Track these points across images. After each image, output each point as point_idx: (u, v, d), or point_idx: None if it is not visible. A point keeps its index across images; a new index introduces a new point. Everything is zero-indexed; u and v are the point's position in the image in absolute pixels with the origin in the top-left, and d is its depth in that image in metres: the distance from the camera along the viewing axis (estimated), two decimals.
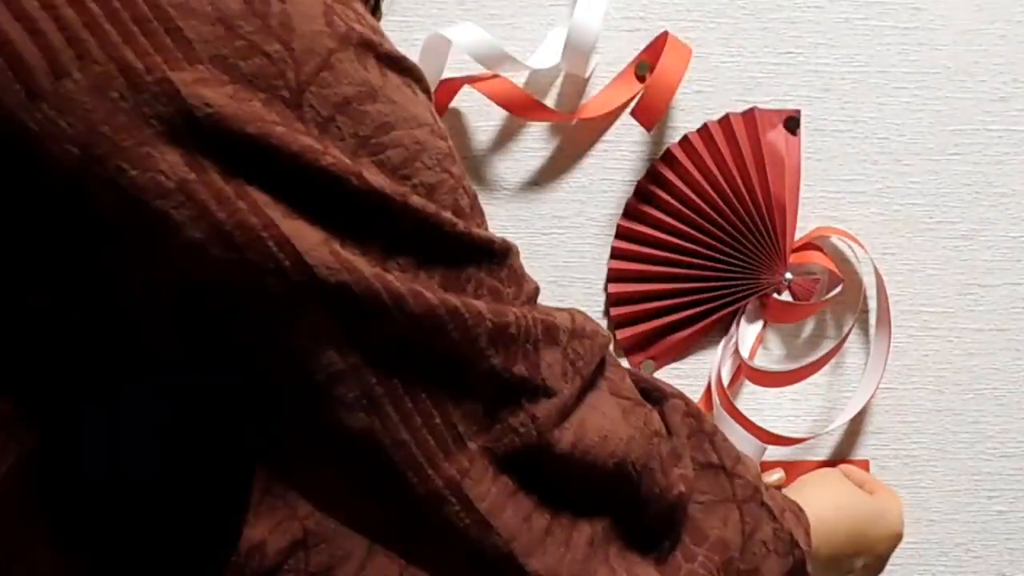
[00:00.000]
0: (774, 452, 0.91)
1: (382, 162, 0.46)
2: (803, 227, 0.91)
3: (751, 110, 0.90)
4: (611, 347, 0.59)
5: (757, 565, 0.62)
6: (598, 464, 0.54)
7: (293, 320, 0.45)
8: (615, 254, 0.91)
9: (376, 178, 0.46)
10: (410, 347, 0.47)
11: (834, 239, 0.92)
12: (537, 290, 0.55)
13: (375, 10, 0.65)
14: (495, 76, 0.88)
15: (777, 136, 0.90)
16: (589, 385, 0.55)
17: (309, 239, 0.44)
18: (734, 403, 0.90)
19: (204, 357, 0.47)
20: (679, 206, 0.90)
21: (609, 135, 0.91)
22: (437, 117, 0.51)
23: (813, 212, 0.92)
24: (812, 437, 0.91)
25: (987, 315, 0.93)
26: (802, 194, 0.91)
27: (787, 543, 0.65)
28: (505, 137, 0.91)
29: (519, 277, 0.53)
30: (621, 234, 0.91)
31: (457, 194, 0.50)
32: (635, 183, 0.91)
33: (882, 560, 0.82)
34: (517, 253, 0.53)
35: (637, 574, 0.56)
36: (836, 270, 0.90)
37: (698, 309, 0.90)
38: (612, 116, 0.90)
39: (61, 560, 0.50)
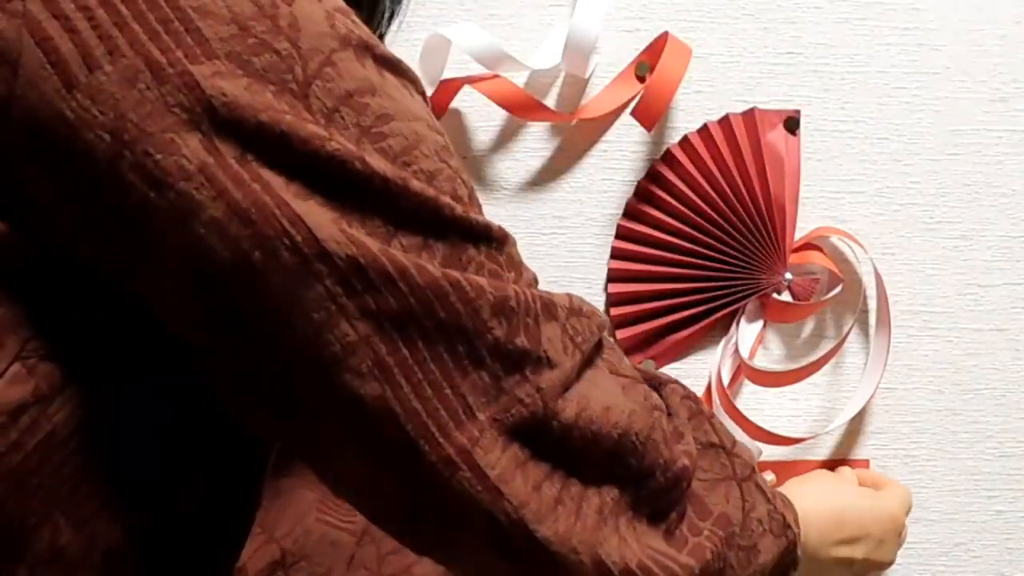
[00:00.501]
0: (774, 452, 0.91)
1: (383, 149, 0.50)
2: (803, 227, 0.91)
3: (751, 110, 0.90)
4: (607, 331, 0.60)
5: (755, 542, 0.63)
6: (603, 434, 0.56)
7: (307, 292, 0.48)
8: (615, 254, 0.91)
9: (378, 162, 0.49)
10: (417, 318, 0.50)
11: (834, 239, 0.92)
12: (535, 280, 0.57)
13: (382, 37, 0.68)
14: (495, 76, 0.88)
15: (777, 136, 0.90)
16: (588, 361, 0.57)
17: (319, 217, 0.48)
18: (734, 403, 0.90)
19: (218, 338, 0.50)
20: (679, 206, 0.90)
21: (609, 135, 0.91)
22: (433, 116, 0.54)
23: (813, 212, 0.92)
24: (812, 437, 0.91)
25: (987, 315, 0.93)
26: (802, 194, 0.91)
27: (780, 523, 0.66)
28: (505, 137, 0.91)
29: (518, 264, 0.55)
30: (621, 234, 0.91)
31: (456, 183, 0.53)
32: (635, 183, 0.91)
33: (884, 547, 0.81)
34: (515, 243, 0.56)
35: (647, 544, 0.57)
36: (836, 270, 0.91)
37: (698, 309, 0.90)
38: (612, 116, 0.91)
39: (75, 537, 0.52)
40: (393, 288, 0.49)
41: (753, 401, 0.93)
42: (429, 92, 0.88)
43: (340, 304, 0.48)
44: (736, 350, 0.90)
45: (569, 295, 0.58)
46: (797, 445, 0.91)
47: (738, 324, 0.91)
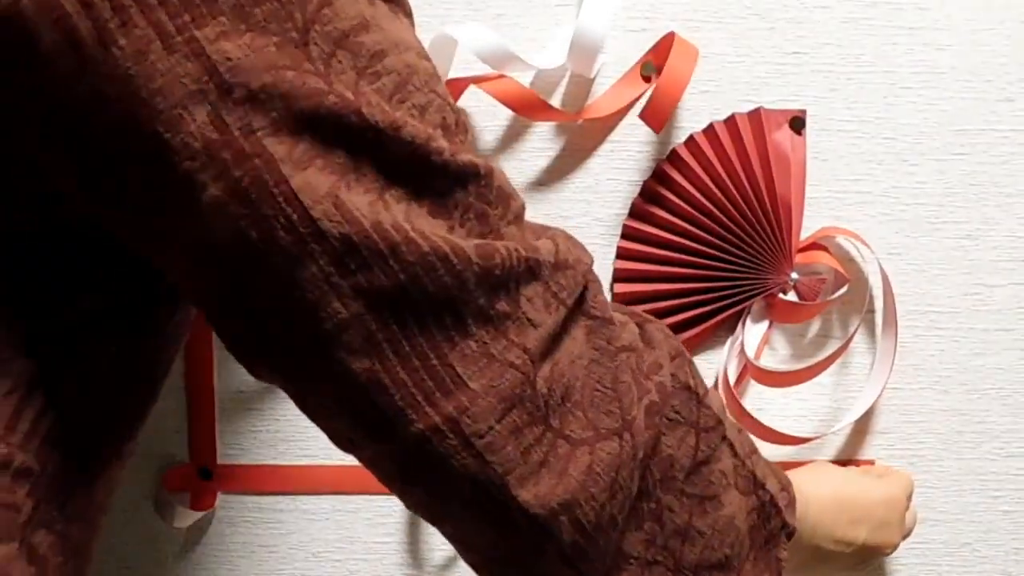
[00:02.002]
0: (780, 452, 0.91)
1: (378, 89, 0.51)
2: (809, 227, 0.91)
3: (757, 110, 0.90)
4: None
5: (716, 493, 0.64)
6: (577, 388, 0.57)
7: (302, 272, 0.50)
8: (621, 254, 0.91)
9: (374, 110, 0.51)
10: (407, 294, 0.52)
11: (840, 239, 0.92)
12: (523, 207, 0.58)
13: None
14: (501, 76, 0.88)
15: (783, 136, 0.90)
16: (571, 315, 0.58)
17: (316, 191, 0.49)
18: (740, 403, 0.90)
19: (223, 306, 0.53)
20: (685, 206, 0.90)
21: (615, 135, 0.91)
22: (419, 40, 0.56)
23: (819, 212, 0.92)
24: (818, 437, 0.91)
25: (993, 315, 0.93)
26: (808, 194, 0.91)
27: (749, 480, 0.67)
28: (511, 137, 0.91)
29: (506, 196, 0.57)
30: (627, 234, 0.91)
31: (445, 112, 0.55)
32: (641, 183, 0.91)
33: (886, 530, 0.80)
34: (502, 173, 0.57)
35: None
36: (842, 270, 0.90)
37: (704, 309, 0.90)
38: (618, 116, 0.90)
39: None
40: (384, 265, 0.51)
41: (759, 401, 0.93)
42: None
43: (333, 283, 0.51)
44: (742, 350, 0.90)
45: (555, 241, 0.59)
46: (803, 445, 0.91)
47: (744, 324, 0.91)
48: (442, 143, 0.53)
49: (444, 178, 0.53)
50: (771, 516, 0.68)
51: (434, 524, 0.60)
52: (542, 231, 0.59)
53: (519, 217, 0.58)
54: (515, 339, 0.54)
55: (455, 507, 0.56)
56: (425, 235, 0.52)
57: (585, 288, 0.59)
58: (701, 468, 0.63)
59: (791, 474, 0.73)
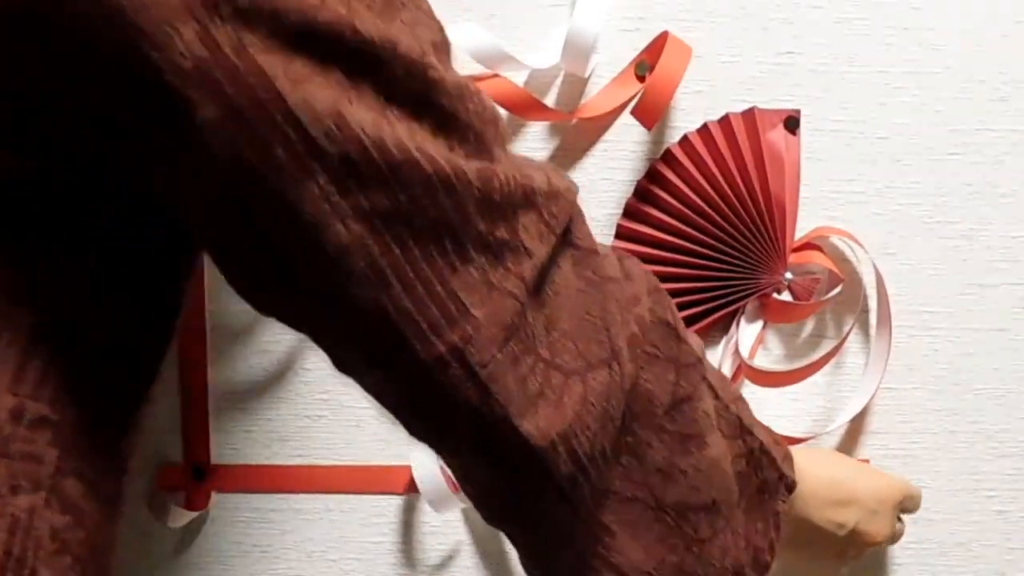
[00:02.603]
0: None
1: (369, 5, 0.50)
2: (803, 227, 0.91)
3: (751, 110, 0.90)
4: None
5: (700, 432, 0.63)
6: (566, 317, 0.57)
7: (303, 191, 0.49)
8: None
9: (367, 26, 0.49)
10: (407, 217, 0.51)
11: (834, 239, 0.92)
12: (507, 130, 0.59)
13: None
14: (495, 76, 0.88)
15: (777, 136, 0.90)
16: (560, 245, 0.58)
17: (315, 108, 0.48)
18: None
19: (226, 230, 0.51)
20: (679, 206, 0.90)
21: (609, 135, 0.91)
22: None
23: (813, 212, 0.91)
24: (812, 437, 0.91)
25: (987, 315, 0.93)
26: (802, 194, 0.91)
27: (734, 425, 0.66)
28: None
29: (495, 116, 0.56)
30: (621, 234, 0.91)
31: (434, 29, 0.53)
32: (635, 183, 0.91)
33: (877, 519, 0.80)
34: (486, 94, 0.56)
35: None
36: (836, 270, 0.90)
37: (698, 309, 0.90)
38: (612, 116, 0.90)
39: None
40: (385, 186, 0.50)
41: (753, 401, 0.91)
42: None
43: (333, 203, 0.49)
44: (736, 350, 0.90)
45: (546, 172, 0.58)
46: (798, 445, 0.91)
47: (738, 324, 0.91)
48: (434, 59, 0.52)
49: (442, 95, 0.52)
50: (763, 465, 0.67)
51: (442, 458, 0.60)
52: (528, 162, 0.59)
53: (505, 140, 0.57)
54: (512, 267, 0.54)
55: (461, 442, 0.56)
56: (428, 156, 0.51)
57: (571, 219, 0.59)
58: (682, 405, 0.62)
59: (792, 453, 0.74)
